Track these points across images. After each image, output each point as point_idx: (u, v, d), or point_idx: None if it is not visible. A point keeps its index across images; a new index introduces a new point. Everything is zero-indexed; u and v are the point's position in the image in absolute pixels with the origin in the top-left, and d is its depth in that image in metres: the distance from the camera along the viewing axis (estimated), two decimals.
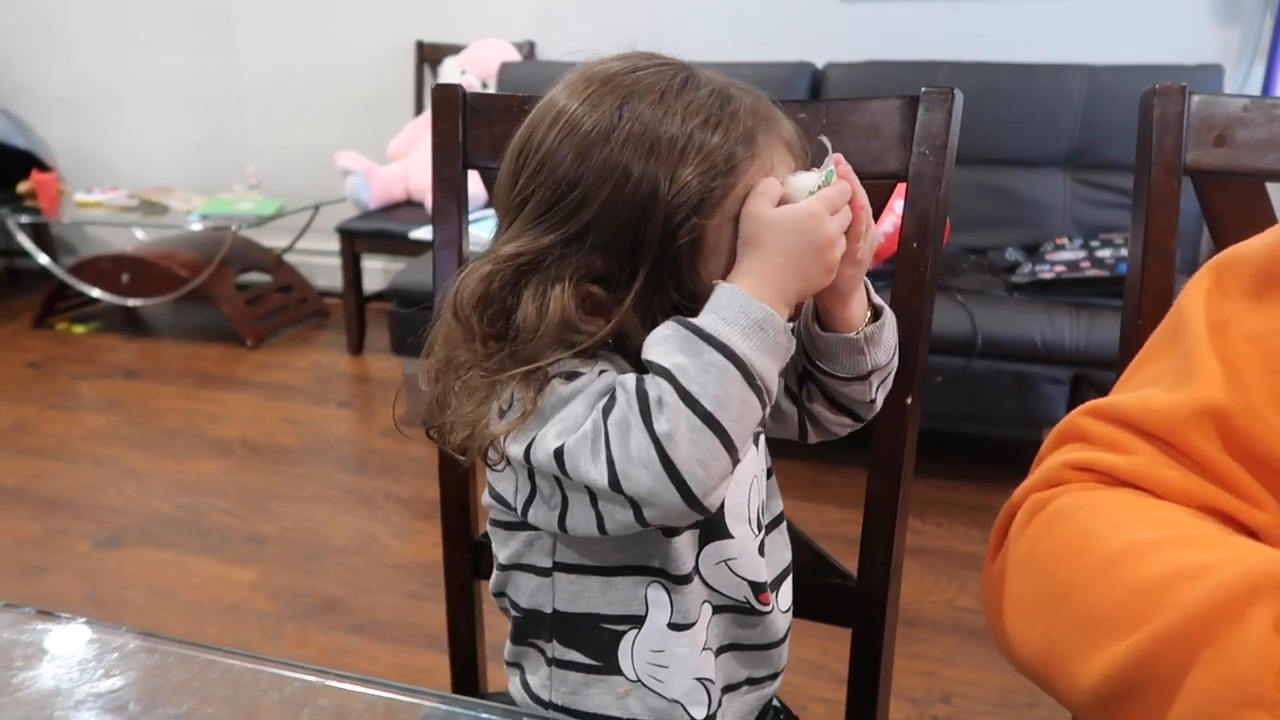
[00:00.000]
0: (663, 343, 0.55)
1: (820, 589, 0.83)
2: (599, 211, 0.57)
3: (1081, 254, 2.26)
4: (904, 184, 0.76)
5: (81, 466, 2.44)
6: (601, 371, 0.58)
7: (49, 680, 0.55)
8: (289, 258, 3.63)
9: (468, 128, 0.84)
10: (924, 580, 1.87)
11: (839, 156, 0.60)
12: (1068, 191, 2.51)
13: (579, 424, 0.55)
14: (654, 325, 0.57)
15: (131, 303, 3.41)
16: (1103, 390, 2.11)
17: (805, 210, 0.58)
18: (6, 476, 2.38)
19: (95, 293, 3.40)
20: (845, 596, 0.82)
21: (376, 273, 3.54)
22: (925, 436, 0.81)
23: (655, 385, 0.53)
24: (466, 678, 0.95)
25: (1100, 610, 0.41)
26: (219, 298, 3.27)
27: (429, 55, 3.36)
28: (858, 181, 0.61)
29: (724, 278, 0.58)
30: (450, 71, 3.16)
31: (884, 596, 0.80)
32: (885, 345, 0.67)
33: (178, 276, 3.26)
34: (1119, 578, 0.41)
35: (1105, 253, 2.23)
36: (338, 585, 1.90)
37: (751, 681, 0.71)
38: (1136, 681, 0.39)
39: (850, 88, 2.66)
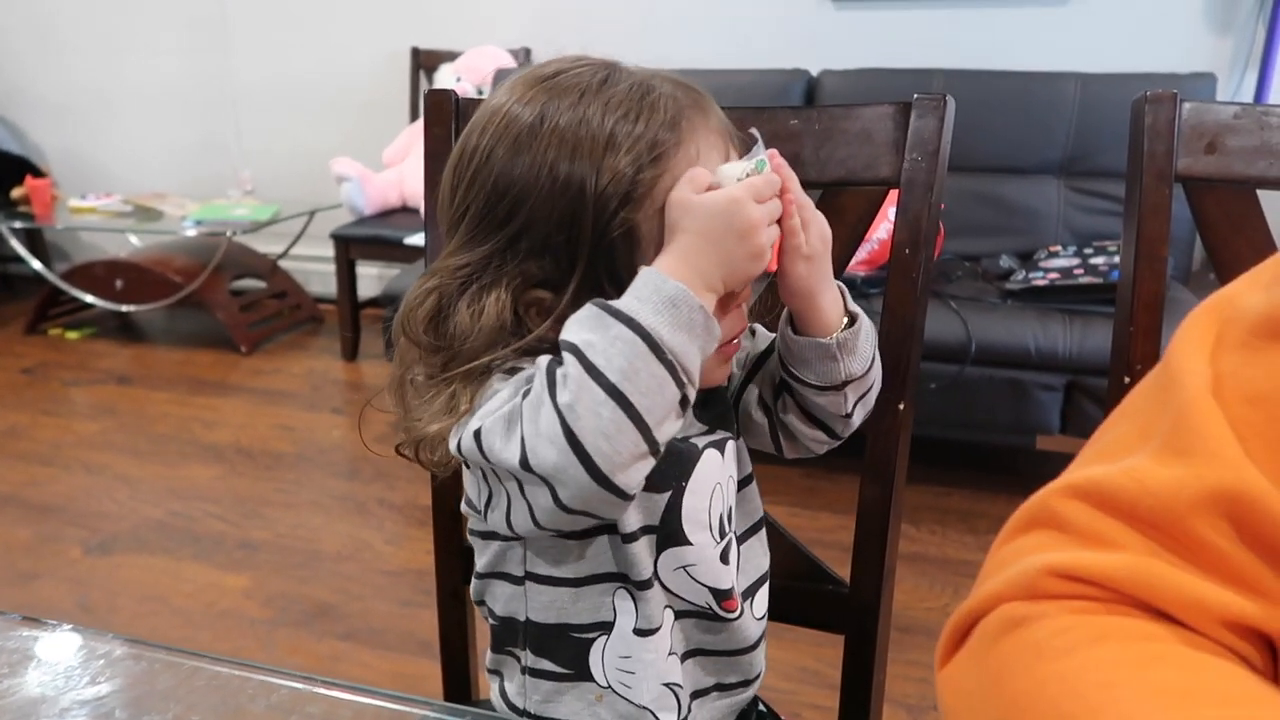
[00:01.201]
0: (575, 323, 0.55)
1: (813, 595, 0.82)
2: (531, 214, 0.58)
3: (1075, 261, 2.27)
4: (896, 190, 0.76)
5: (74, 472, 2.43)
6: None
7: (34, 687, 0.55)
8: (284, 264, 3.62)
9: (460, 133, 0.84)
10: (918, 587, 1.87)
11: (774, 152, 0.61)
12: (1061, 199, 2.52)
13: (501, 407, 0.56)
14: None
15: (125, 309, 3.41)
16: (1098, 398, 2.10)
17: (726, 195, 0.57)
18: None
19: (89, 298, 3.39)
20: (838, 603, 0.82)
21: (371, 279, 3.53)
22: (918, 443, 0.81)
23: (564, 362, 0.53)
24: (458, 684, 0.94)
25: None
26: (213, 304, 3.26)
27: (424, 62, 3.36)
28: (792, 175, 0.61)
29: None
30: (445, 78, 3.16)
31: (877, 603, 0.80)
32: (860, 355, 0.66)
33: (172, 282, 3.25)
34: None
35: (1099, 260, 2.23)
36: (330, 592, 1.89)
37: (721, 688, 0.70)
38: None
39: (844, 95, 2.67)
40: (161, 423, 2.73)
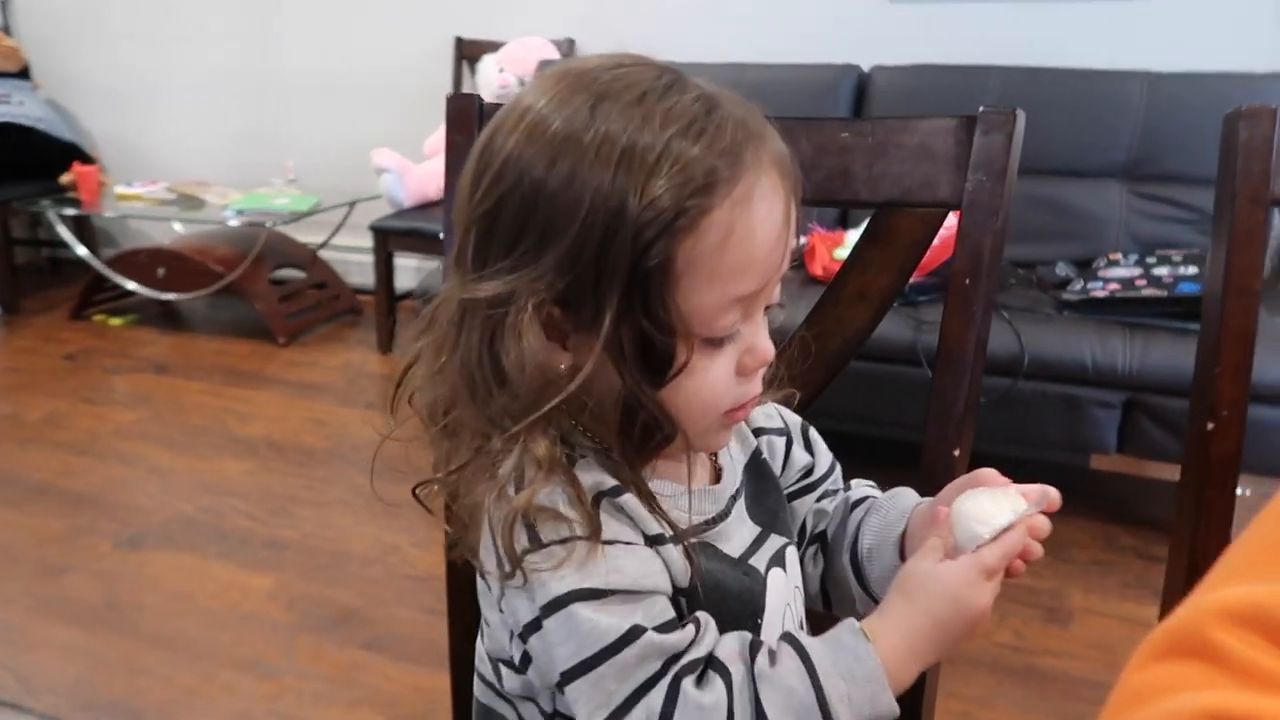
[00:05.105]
0: (788, 696, 0.51)
1: None
2: (563, 230, 0.50)
3: (1137, 271, 2.15)
4: (957, 213, 0.68)
5: (109, 463, 2.43)
6: (631, 626, 0.51)
7: None
8: (324, 254, 3.61)
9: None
10: None
11: (1049, 498, 0.57)
12: (1124, 204, 2.40)
13: (610, 699, 0.50)
14: (625, 362, 0.51)
15: (167, 296, 3.41)
16: (1158, 417, 1.96)
17: (963, 576, 0.54)
18: (36, 471, 2.37)
19: (131, 285, 3.40)
20: None
21: (409, 271, 3.50)
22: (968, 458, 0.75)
23: None
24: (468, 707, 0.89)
25: None
26: (253, 293, 3.26)
27: (468, 52, 3.32)
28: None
29: (702, 317, 0.51)
30: (488, 69, 3.11)
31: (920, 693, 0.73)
32: None
33: (212, 271, 3.25)
34: None
35: (1162, 270, 2.12)
36: (355, 596, 1.86)
37: None
38: None
39: (897, 91, 2.57)
40: (196, 414, 2.72)
